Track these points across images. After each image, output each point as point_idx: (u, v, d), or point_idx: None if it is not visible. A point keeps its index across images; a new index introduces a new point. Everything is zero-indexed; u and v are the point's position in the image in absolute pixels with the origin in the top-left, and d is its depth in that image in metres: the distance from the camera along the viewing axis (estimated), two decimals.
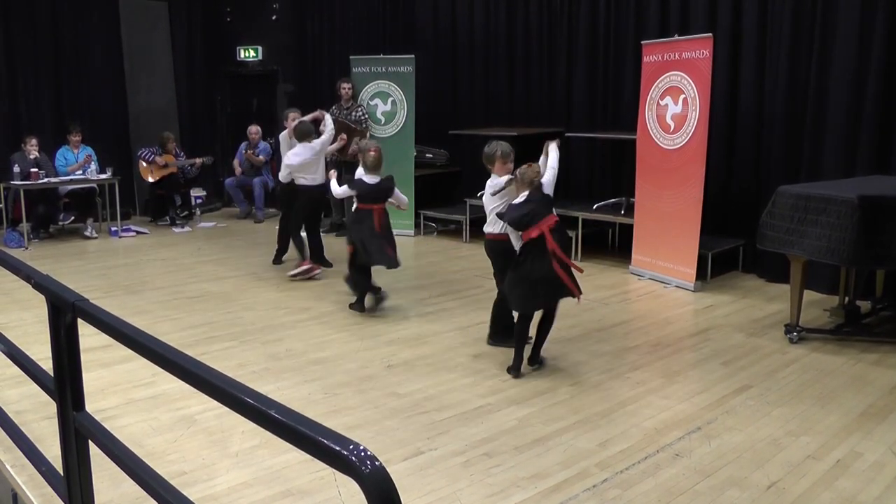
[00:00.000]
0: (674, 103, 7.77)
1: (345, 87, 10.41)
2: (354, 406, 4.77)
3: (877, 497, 3.67)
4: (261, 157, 11.95)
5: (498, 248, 5.61)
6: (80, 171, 10.60)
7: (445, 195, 11.28)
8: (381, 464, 1.34)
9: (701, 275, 7.72)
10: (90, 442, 2.69)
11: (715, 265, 8.00)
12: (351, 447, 1.37)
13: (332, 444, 1.41)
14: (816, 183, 6.67)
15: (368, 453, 1.36)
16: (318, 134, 8.14)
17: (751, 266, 8.27)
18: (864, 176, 6.96)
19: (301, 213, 8.12)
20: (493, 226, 5.59)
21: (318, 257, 8.27)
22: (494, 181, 5.55)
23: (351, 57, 11.02)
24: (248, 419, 1.74)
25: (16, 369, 3.54)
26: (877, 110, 7.05)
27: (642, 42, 8.39)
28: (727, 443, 4.28)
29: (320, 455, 1.45)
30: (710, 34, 7.51)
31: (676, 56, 7.73)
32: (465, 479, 3.84)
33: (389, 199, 6.80)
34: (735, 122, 8.25)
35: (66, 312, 2.61)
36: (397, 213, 10.60)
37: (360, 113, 10.41)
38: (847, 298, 6.64)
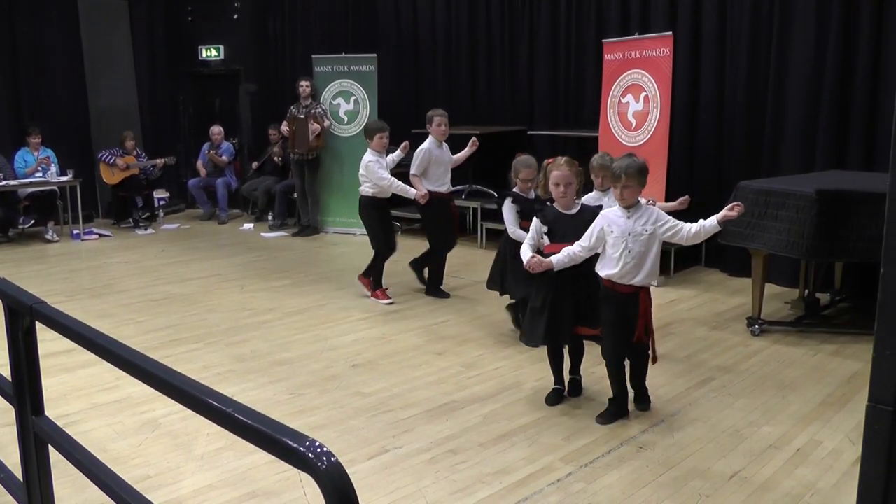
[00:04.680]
0: (635, 101, 7.85)
1: (303, 86, 10.42)
2: (319, 406, 4.76)
3: (834, 484, 3.74)
4: (224, 157, 11.87)
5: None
6: (39, 173, 10.45)
7: None
8: (336, 459, 1.35)
9: (664, 270, 7.79)
10: (51, 447, 2.67)
11: (678, 260, 8.09)
12: (307, 443, 1.38)
13: (288, 441, 1.41)
14: (776, 178, 6.79)
15: (325, 449, 1.36)
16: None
17: (713, 261, 8.37)
18: (822, 171, 7.08)
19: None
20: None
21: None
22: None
23: (313, 56, 10.99)
24: (207, 419, 1.73)
25: None
26: (833, 107, 7.17)
27: (603, 40, 8.47)
28: (690, 434, 4.33)
29: (277, 452, 1.45)
30: (670, 33, 7.61)
31: (637, 54, 7.81)
32: (431, 476, 3.85)
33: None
34: (696, 119, 8.34)
35: (23, 316, 2.58)
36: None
37: (320, 111, 10.39)
38: (807, 291, 6.75)
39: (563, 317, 4.58)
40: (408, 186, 6.98)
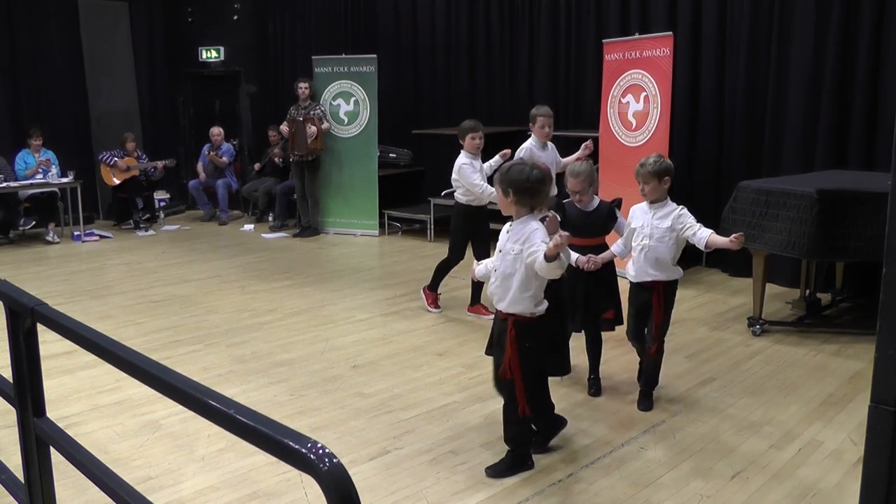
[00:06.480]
0: (635, 101, 7.84)
1: (302, 87, 10.44)
2: (320, 407, 4.76)
3: (836, 484, 3.74)
4: (224, 158, 11.87)
5: None
6: (40, 175, 10.45)
7: (409, 195, 11.31)
8: (338, 461, 1.35)
9: None
10: (52, 449, 2.66)
11: (679, 260, 8.03)
12: (309, 445, 1.37)
13: (289, 442, 1.41)
14: (776, 178, 6.78)
15: (326, 451, 1.36)
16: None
17: (714, 261, 8.35)
18: (822, 170, 7.07)
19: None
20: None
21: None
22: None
23: (313, 57, 11.00)
24: (208, 420, 1.73)
25: None
26: (834, 106, 7.17)
27: (603, 40, 8.46)
28: (691, 435, 4.33)
29: (279, 453, 1.45)
30: (671, 33, 7.60)
31: (637, 54, 7.81)
32: (432, 476, 3.85)
33: None
34: (696, 119, 8.33)
35: (24, 317, 2.58)
36: (361, 212, 10.70)
37: (319, 112, 10.40)
38: (808, 291, 6.75)
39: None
40: None
